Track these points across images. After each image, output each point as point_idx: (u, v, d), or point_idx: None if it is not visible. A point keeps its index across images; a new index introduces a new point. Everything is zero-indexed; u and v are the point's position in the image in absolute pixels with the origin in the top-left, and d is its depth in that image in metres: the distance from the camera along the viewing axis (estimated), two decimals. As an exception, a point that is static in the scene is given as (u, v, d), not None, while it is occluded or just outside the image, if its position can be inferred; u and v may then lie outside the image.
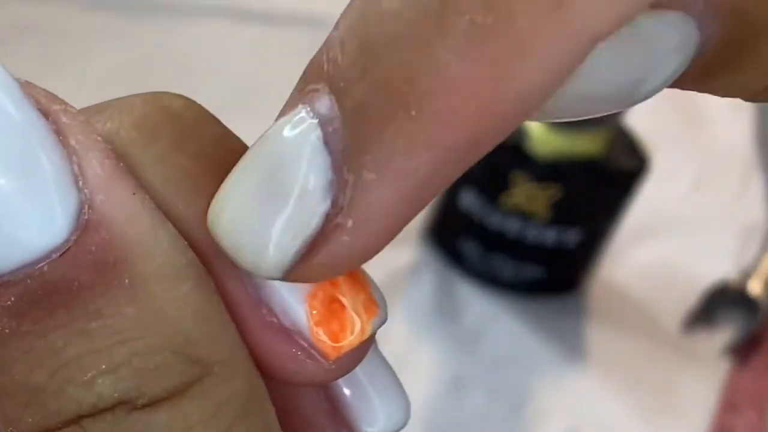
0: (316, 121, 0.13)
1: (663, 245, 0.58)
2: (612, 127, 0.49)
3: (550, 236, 0.50)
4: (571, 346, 0.52)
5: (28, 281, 0.13)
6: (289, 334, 0.15)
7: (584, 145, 0.49)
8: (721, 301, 0.54)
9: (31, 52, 0.59)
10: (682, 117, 0.67)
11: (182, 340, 0.14)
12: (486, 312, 0.52)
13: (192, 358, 0.14)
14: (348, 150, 0.13)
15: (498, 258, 0.52)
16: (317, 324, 0.15)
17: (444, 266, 0.53)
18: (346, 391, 0.16)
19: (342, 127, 0.13)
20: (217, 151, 0.15)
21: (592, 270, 0.54)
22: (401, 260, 0.53)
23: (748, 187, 0.64)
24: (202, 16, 0.65)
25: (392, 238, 0.13)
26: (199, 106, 0.16)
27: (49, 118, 0.14)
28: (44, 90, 0.14)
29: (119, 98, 0.15)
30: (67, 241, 0.13)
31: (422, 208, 0.13)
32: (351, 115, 0.13)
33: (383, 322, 0.15)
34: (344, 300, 0.15)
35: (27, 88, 0.14)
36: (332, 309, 0.15)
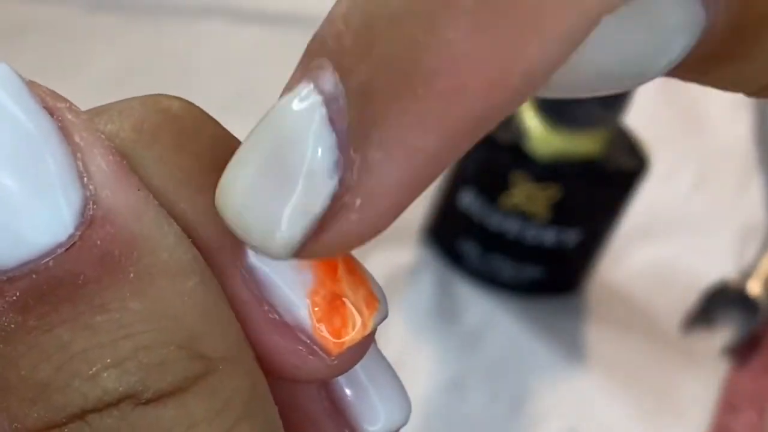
0: (320, 98, 0.13)
1: (662, 245, 0.58)
2: (611, 128, 0.49)
3: (549, 236, 0.50)
4: (571, 346, 0.52)
5: (33, 276, 0.13)
6: (291, 330, 0.15)
7: (584, 145, 0.49)
8: (721, 301, 0.54)
9: (31, 52, 0.59)
10: (681, 117, 0.67)
11: (187, 335, 0.14)
12: (486, 312, 0.52)
13: (197, 354, 0.14)
14: (353, 129, 0.13)
15: (498, 258, 0.52)
16: (319, 320, 0.15)
17: (444, 266, 0.53)
18: (347, 391, 0.17)
19: (347, 105, 0.13)
20: (216, 152, 0.15)
21: (591, 270, 0.54)
22: (401, 260, 0.53)
23: (747, 188, 0.65)
24: (202, 16, 0.65)
25: (400, 214, 0.13)
26: (198, 107, 0.16)
27: (54, 116, 0.14)
28: (49, 89, 0.14)
29: (118, 101, 0.15)
30: (72, 236, 0.13)
31: (429, 184, 0.13)
32: (356, 94, 0.13)
33: (384, 317, 0.16)
34: (345, 296, 0.15)
35: (32, 87, 0.14)
36: (334, 305, 0.15)
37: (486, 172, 0.50)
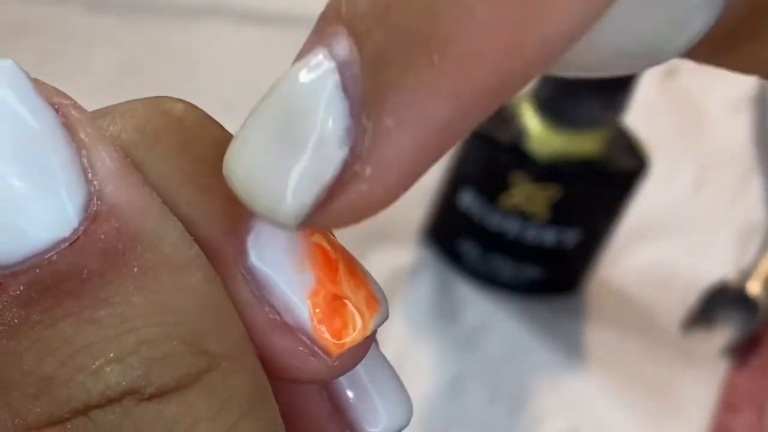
0: (333, 65, 0.13)
1: (662, 245, 0.58)
2: (611, 128, 0.49)
3: (549, 236, 0.50)
4: (571, 346, 0.52)
5: (37, 271, 0.13)
6: (292, 331, 0.15)
7: (584, 145, 0.49)
8: (721, 302, 0.54)
9: (31, 52, 0.59)
10: (681, 117, 0.68)
11: (190, 330, 0.14)
12: (485, 312, 0.52)
13: (200, 350, 0.14)
14: (367, 95, 0.12)
15: (497, 258, 0.52)
16: (320, 321, 0.15)
17: (443, 266, 0.53)
18: (349, 392, 0.17)
19: (361, 71, 0.13)
20: (218, 153, 0.15)
21: (591, 270, 0.54)
22: (401, 260, 0.53)
23: (747, 188, 0.65)
24: (202, 16, 0.65)
25: (410, 186, 0.13)
26: (200, 110, 0.16)
27: (59, 113, 0.14)
28: (53, 87, 0.14)
29: (121, 103, 0.15)
30: (75, 230, 0.13)
31: (441, 156, 0.13)
32: (371, 60, 0.12)
33: (385, 318, 0.16)
34: (346, 297, 0.15)
35: (38, 84, 0.14)
36: (334, 306, 0.15)
37: (486, 172, 0.50)
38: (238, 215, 0.15)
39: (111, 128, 0.15)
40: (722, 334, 0.54)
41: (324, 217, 0.13)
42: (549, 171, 0.49)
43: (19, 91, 0.13)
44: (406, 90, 0.12)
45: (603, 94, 0.48)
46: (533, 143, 0.48)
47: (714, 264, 0.57)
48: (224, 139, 0.15)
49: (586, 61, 0.13)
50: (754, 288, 0.54)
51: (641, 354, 0.52)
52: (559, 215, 0.50)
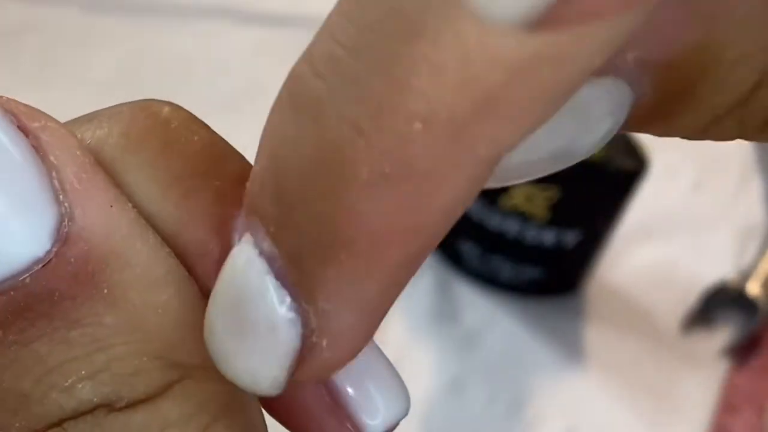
0: (263, 258, 0.13)
1: (662, 246, 0.58)
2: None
3: (549, 237, 0.51)
4: (570, 346, 0.52)
5: (12, 293, 0.14)
6: None
7: (583, 145, 0.49)
8: (720, 302, 0.54)
9: (31, 53, 0.59)
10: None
11: (161, 345, 0.14)
12: (485, 313, 0.52)
13: (171, 363, 0.14)
14: (298, 285, 0.13)
15: (497, 259, 0.52)
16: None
17: (443, 267, 0.53)
18: (347, 386, 0.17)
19: (285, 266, 0.13)
20: (205, 155, 0.15)
21: (591, 271, 0.54)
22: (400, 261, 0.53)
23: (746, 188, 0.65)
24: (202, 17, 0.65)
25: (370, 339, 0.14)
26: (187, 112, 0.16)
27: (29, 135, 0.14)
28: (25, 105, 0.14)
29: (109, 107, 0.16)
30: (48, 252, 0.14)
31: (387, 311, 0.14)
32: (288, 258, 0.13)
33: None
34: None
35: (7, 104, 0.14)
36: None
37: (486, 173, 0.50)
38: (224, 215, 0.15)
39: (97, 132, 0.15)
40: (722, 335, 0.54)
41: (299, 379, 0.14)
42: (549, 171, 0.49)
43: None
44: (328, 282, 0.13)
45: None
46: (533, 143, 0.48)
47: (713, 264, 0.57)
48: (212, 140, 0.16)
49: (496, 178, 0.14)
50: (753, 288, 0.54)
51: (641, 354, 0.52)
52: (559, 216, 0.50)
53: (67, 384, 0.14)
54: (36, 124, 0.14)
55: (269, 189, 0.13)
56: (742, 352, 0.53)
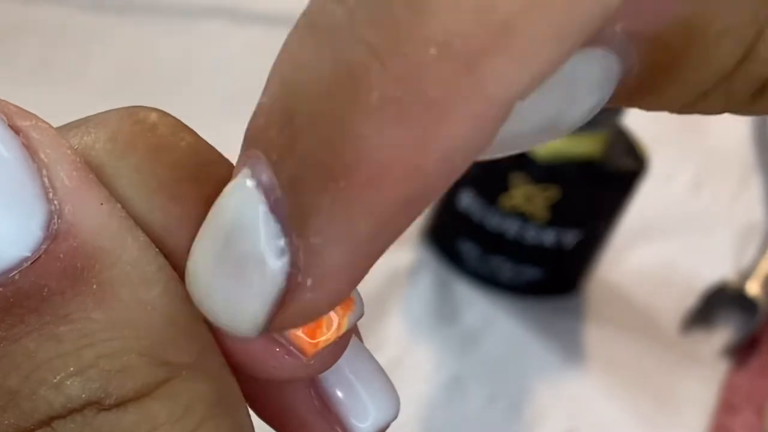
0: (260, 189, 0.13)
1: (661, 246, 0.58)
2: (611, 128, 0.49)
3: (548, 237, 0.51)
4: (570, 346, 0.52)
5: (1, 289, 0.14)
6: (267, 332, 0.15)
7: (583, 146, 0.49)
8: (720, 302, 0.54)
9: (31, 52, 0.59)
10: (680, 118, 0.67)
11: (149, 342, 0.14)
12: (485, 313, 0.52)
13: (159, 361, 0.14)
14: (292, 217, 0.13)
15: (497, 259, 0.52)
16: None
17: (443, 267, 0.53)
18: (336, 388, 0.17)
19: (283, 195, 0.13)
20: (191, 161, 0.15)
21: (590, 271, 0.54)
22: (400, 261, 0.53)
23: (746, 188, 0.65)
24: (201, 17, 0.65)
25: (355, 287, 0.14)
26: (174, 118, 0.16)
27: (20, 134, 0.14)
28: (15, 106, 0.15)
29: (97, 113, 0.16)
30: (38, 249, 0.14)
31: (376, 260, 0.14)
32: (288, 186, 0.13)
33: (360, 316, 0.16)
34: None
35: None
36: None
37: (485, 173, 0.50)
38: None
39: (85, 138, 0.15)
40: (721, 335, 0.54)
41: (278, 325, 0.14)
42: (548, 172, 0.49)
43: None
44: (323, 211, 0.13)
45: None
46: (533, 144, 0.48)
47: (713, 264, 0.57)
48: (199, 146, 0.16)
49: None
50: (753, 288, 0.54)
51: (641, 354, 0.52)
52: (559, 216, 0.50)
53: (55, 380, 0.14)
54: (27, 123, 0.14)
55: (277, 116, 0.13)
56: (741, 351, 0.53)
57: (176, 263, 0.15)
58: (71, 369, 0.14)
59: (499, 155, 0.15)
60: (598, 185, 0.50)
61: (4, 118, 0.14)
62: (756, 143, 0.68)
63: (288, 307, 0.14)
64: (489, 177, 0.50)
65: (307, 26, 0.13)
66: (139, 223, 0.15)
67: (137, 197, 0.15)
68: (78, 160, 0.15)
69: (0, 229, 0.14)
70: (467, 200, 0.51)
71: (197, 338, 0.15)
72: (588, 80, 0.14)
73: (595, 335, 0.52)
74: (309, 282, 0.13)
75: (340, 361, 0.16)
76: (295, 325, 0.14)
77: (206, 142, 0.16)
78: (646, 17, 0.14)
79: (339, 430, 0.17)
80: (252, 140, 0.14)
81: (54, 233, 0.14)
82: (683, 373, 0.52)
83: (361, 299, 0.16)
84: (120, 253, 0.14)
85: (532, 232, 0.50)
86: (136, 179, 0.15)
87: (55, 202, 0.14)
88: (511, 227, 0.50)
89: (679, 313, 0.54)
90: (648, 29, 0.14)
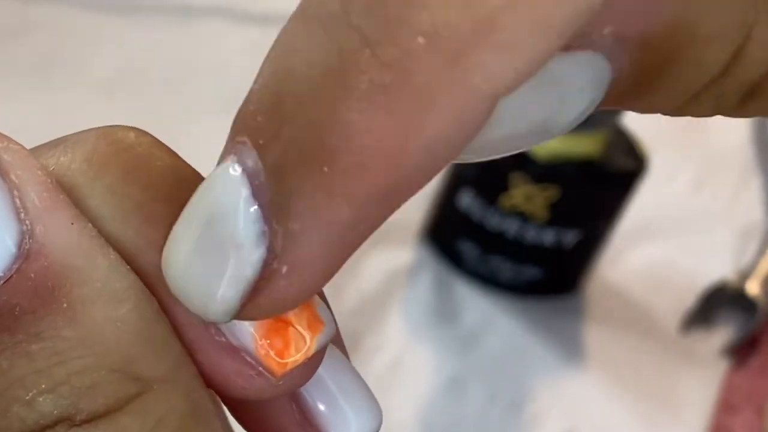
0: (244, 174, 0.14)
1: (661, 246, 0.58)
2: (610, 128, 0.49)
3: (548, 237, 0.51)
4: (570, 346, 0.52)
5: None
6: (236, 351, 0.15)
7: (583, 146, 0.49)
8: (720, 302, 0.54)
9: (31, 52, 0.59)
10: (680, 118, 0.68)
11: (120, 358, 0.14)
12: (484, 312, 0.52)
13: (130, 376, 0.14)
14: (274, 202, 0.13)
15: (497, 259, 0.52)
16: (263, 343, 0.15)
17: (443, 267, 0.53)
18: (317, 401, 0.17)
19: (266, 180, 0.13)
20: (166, 181, 0.16)
21: (590, 270, 0.54)
22: (400, 261, 0.53)
23: (746, 188, 0.65)
24: (202, 17, 0.65)
25: (329, 279, 0.14)
26: (152, 138, 0.16)
27: None
28: None
29: (76, 133, 0.16)
30: (10, 269, 0.14)
31: (353, 251, 0.14)
32: (272, 171, 0.13)
33: (330, 337, 0.16)
34: (289, 319, 0.16)
35: None
36: (276, 328, 0.16)
37: (485, 173, 0.50)
38: None
39: (62, 158, 0.16)
40: (721, 334, 0.54)
41: (251, 312, 0.14)
42: (548, 171, 0.49)
43: None
44: (305, 197, 0.13)
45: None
46: (532, 144, 0.48)
47: (713, 264, 0.57)
48: (175, 167, 0.16)
49: (474, 150, 0.14)
50: (753, 288, 0.54)
51: (640, 354, 0.52)
52: (559, 216, 0.50)
53: (28, 397, 0.14)
54: None
55: (266, 102, 0.13)
56: (741, 351, 0.53)
57: (148, 281, 0.15)
58: (43, 386, 0.14)
59: (494, 156, 0.15)
60: (598, 185, 0.50)
61: None
62: (756, 143, 0.68)
63: (261, 294, 0.14)
64: (489, 177, 0.50)
65: (301, 16, 0.13)
66: (111, 242, 0.15)
67: (111, 217, 0.15)
68: (49, 180, 0.15)
69: None
70: (467, 200, 0.51)
71: (169, 352, 0.15)
72: (579, 83, 0.14)
73: (594, 335, 0.52)
74: (284, 269, 0.14)
75: (323, 373, 0.16)
76: (266, 315, 0.15)
77: (183, 161, 0.16)
78: (635, 20, 0.14)
79: None
80: (239, 126, 0.14)
81: (26, 253, 0.14)
82: (683, 373, 0.52)
83: (332, 319, 0.16)
84: (90, 271, 0.15)
85: (531, 232, 0.50)
86: (110, 200, 0.15)
87: (27, 222, 0.14)
88: (510, 227, 0.50)
89: (679, 313, 0.54)
90: (637, 32, 0.14)
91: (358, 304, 0.49)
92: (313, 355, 0.16)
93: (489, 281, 0.53)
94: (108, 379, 0.14)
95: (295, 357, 0.15)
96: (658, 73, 0.15)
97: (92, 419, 0.14)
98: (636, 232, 0.57)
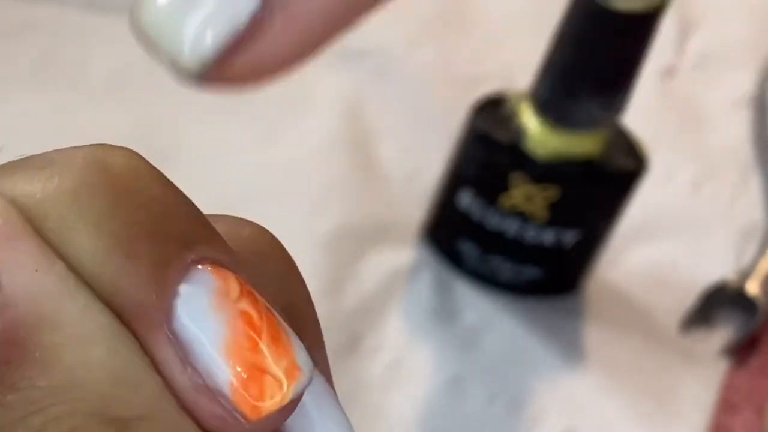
0: None
1: (661, 246, 0.58)
2: (610, 128, 0.49)
3: (548, 237, 0.51)
4: (570, 346, 0.52)
5: None
6: (212, 394, 0.15)
7: (583, 145, 0.49)
8: (720, 302, 0.54)
9: (31, 52, 0.59)
10: (680, 118, 0.68)
11: (96, 402, 0.14)
12: (484, 312, 0.52)
13: (108, 418, 0.14)
14: None
15: (496, 258, 0.52)
16: (238, 388, 0.15)
17: (442, 267, 0.53)
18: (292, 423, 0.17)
19: None
20: (152, 215, 0.15)
21: (590, 270, 0.54)
22: (399, 261, 0.53)
23: (746, 188, 0.65)
24: (201, 17, 0.65)
25: (318, 47, 0.13)
26: (142, 162, 0.16)
27: None
28: None
29: (62, 151, 0.16)
30: None
31: (352, 17, 0.13)
32: None
33: (307, 383, 0.16)
34: (266, 367, 0.16)
35: None
36: (253, 375, 0.16)
37: (485, 173, 0.50)
38: (166, 279, 0.15)
39: (47, 185, 0.15)
40: (721, 334, 0.54)
41: (228, 68, 0.13)
42: (548, 171, 0.49)
43: None
44: None
45: (602, 94, 0.48)
46: (532, 144, 0.48)
47: (713, 264, 0.57)
48: (162, 196, 0.16)
49: None
50: (753, 288, 0.54)
51: (640, 354, 0.52)
52: (558, 215, 0.50)
53: None
54: None
55: None
56: (741, 351, 0.53)
57: (125, 319, 0.15)
58: None
59: None
60: (598, 185, 0.50)
61: None
62: (756, 143, 0.68)
63: (244, 51, 0.13)
64: (488, 177, 0.50)
65: None
66: (88, 278, 0.15)
67: (92, 253, 0.15)
68: (12, 220, 0.15)
69: None
70: (467, 200, 0.51)
71: (148, 389, 0.15)
72: None
73: (594, 335, 0.52)
74: (277, 23, 0.13)
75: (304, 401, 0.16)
76: (241, 79, 0.14)
77: (172, 188, 0.16)
78: None
79: None
80: None
81: None
82: (683, 373, 0.52)
83: (311, 366, 0.16)
84: (59, 316, 0.14)
85: (531, 232, 0.50)
86: (93, 236, 0.15)
87: None
88: (510, 227, 0.50)
89: (679, 313, 0.54)
90: None
91: (357, 304, 0.49)
92: (289, 402, 0.16)
93: (489, 281, 0.53)
94: (86, 423, 0.14)
95: (271, 404, 0.16)
96: None
97: None
98: (636, 232, 0.57)
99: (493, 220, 0.51)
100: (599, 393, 0.49)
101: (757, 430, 0.50)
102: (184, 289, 0.15)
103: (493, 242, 0.51)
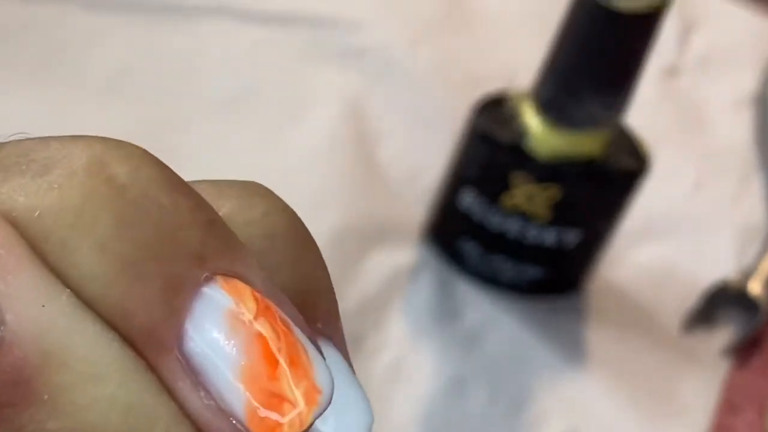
0: None
1: (663, 245, 0.58)
2: (612, 128, 0.49)
3: (550, 237, 0.50)
4: (571, 346, 0.52)
5: None
6: (226, 417, 0.15)
7: (584, 145, 0.49)
8: (721, 301, 0.54)
9: (31, 52, 0.59)
10: (682, 117, 0.67)
11: None
12: (486, 312, 0.52)
13: None
14: None
15: (498, 258, 0.52)
16: (255, 410, 0.15)
17: (444, 266, 0.53)
18: None
19: None
20: (161, 232, 0.15)
21: (592, 270, 0.54)
22: (401, 261, 0.53)
23: (748, 188, 0.64)
24: (202, 16, 0.65)
25: None
26: (150, 168, 0.15)
27: None
28: None
29: (61, 155, 0.15)
30: None
31: None
32: None
33: (326, 406, 0.15)
34: (284, 392, 0.15)
35: None
36: (270, 400, 0.15)
37: (486, 173, 0.50)
38: (177, 301, 0.15)
39: (48, 200, 0.14)
40: (723, 334, 0.54)
41: None
42: (550, 171, 0.49)
43: None
44: None
45: (604, 94, 0.48)
46: (534, 143, 0.48)
47: (715, 264, 0.57)
48: (173, 208, 0.15)
49: None
50: (754, 288, 0.54)
51: (642, 354, 0.52)
52: (560, 215, 0.50)
53: None
54: None
55: None
56: (743, 351, 0.53)
57: (134, 343, 0.14)
58: None
59: None
60: (600, 185, 0.50)
61: None
62: (757, 142, 0.68)
63: None
64: (490, 176, 0.50)
65: None
66: (94, 303, 0.14)
67: (98, 276, 0.14)
68: (13, 249, 0.14)
69: None
70: (468, 200, 0.51)
71: (162, 416, 0.14)
72: None
73: (596, 335, 0.52)
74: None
75: None
76: None
77: (185, 192, 0.15)
78: None
79: None
80: None
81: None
82: (684, 373, 0.52)
83: (331, 387, 0.15)
84: (68, 354, 0.14)
85: (533, 232, 0.50)
86: (99, 258, 0.14)
87: None
88: (512, 227, 0.50)
89: (681, 313, 0.54)
90: None
91: (359, 304, 0.49)
92: (305, 429, 0.15)
93: (490, 281, 0.53)
94: None
95: (286, 430, 0.15)
96: None
97: None
98: (638, 232, 0.57)
99: (495, 220, 0.51)
100: (601, 393, 0.49)
101: (758, 429, 0.50)
102: (196, 309, 0.15)
103: (495, 242, 0.51)
